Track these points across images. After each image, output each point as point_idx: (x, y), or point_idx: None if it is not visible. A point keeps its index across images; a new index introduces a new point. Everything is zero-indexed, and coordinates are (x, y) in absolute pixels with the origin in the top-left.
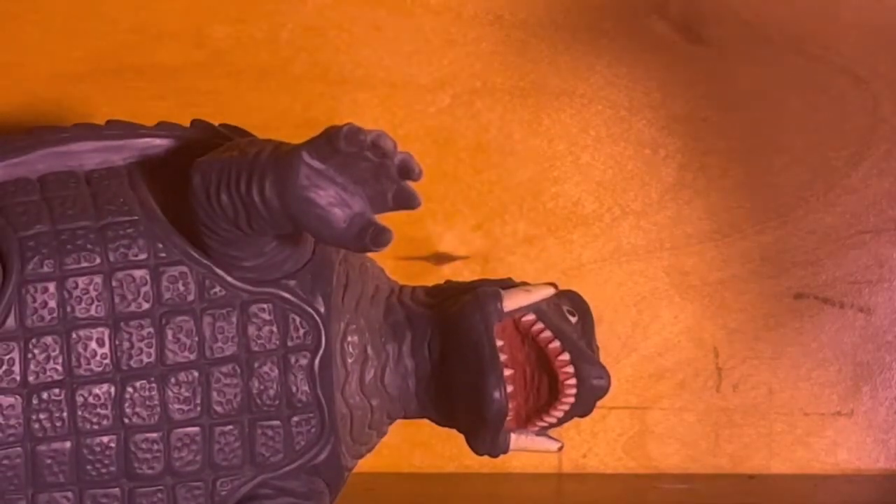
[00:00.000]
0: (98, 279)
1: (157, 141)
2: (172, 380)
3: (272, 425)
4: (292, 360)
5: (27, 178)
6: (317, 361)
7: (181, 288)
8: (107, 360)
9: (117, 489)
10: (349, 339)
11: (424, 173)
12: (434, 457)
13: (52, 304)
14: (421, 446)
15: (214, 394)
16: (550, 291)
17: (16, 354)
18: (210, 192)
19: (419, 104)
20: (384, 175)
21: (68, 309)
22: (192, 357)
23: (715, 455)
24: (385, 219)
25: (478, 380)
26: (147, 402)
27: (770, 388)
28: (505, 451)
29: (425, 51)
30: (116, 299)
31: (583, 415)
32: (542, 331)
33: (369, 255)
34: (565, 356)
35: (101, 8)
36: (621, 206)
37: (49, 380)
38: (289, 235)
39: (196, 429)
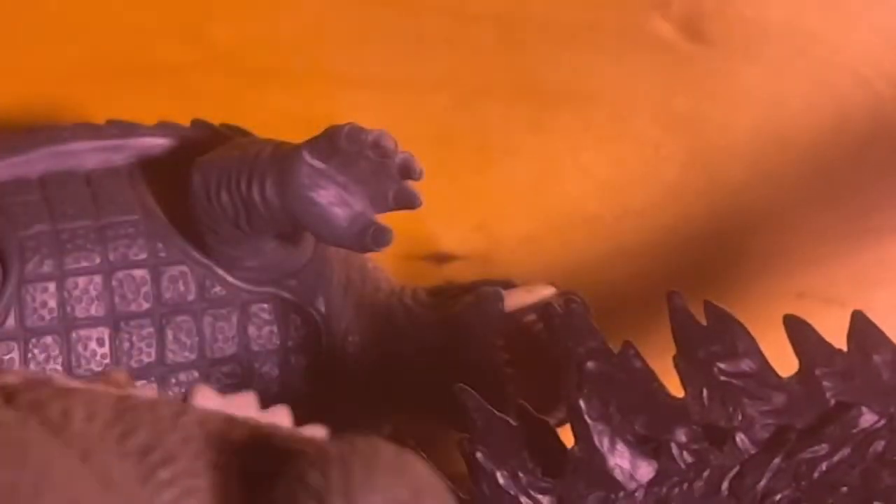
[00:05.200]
0: (98, 279)
1: (158, 140)
2: (173, 380)
3: None
4: (293, 359)
5: (27, 178)
6: (317, 361)
7: (181, 288)
8: (107, 360)
9: None
10: (350, 338)
11: (425, 173)
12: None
13: (52, 303)
14: (422, 446)
15: None
16: (551, 291)
17: (15, 354)
18: (210, 191)
19: (420, 104)
20: (385, 175)
21: (68, 309)
22: (193, 357)
23: None
24: (385, 218)
25: (479, 380)
26: None
27: None
28: None
29: (425, 50)
30: (116, 299)
31: None
32: (543, 331)
33: (370, 255)
34: None
35: (101, 8)
36: (622, 205)
37: None
38: (289, 235)
39: None
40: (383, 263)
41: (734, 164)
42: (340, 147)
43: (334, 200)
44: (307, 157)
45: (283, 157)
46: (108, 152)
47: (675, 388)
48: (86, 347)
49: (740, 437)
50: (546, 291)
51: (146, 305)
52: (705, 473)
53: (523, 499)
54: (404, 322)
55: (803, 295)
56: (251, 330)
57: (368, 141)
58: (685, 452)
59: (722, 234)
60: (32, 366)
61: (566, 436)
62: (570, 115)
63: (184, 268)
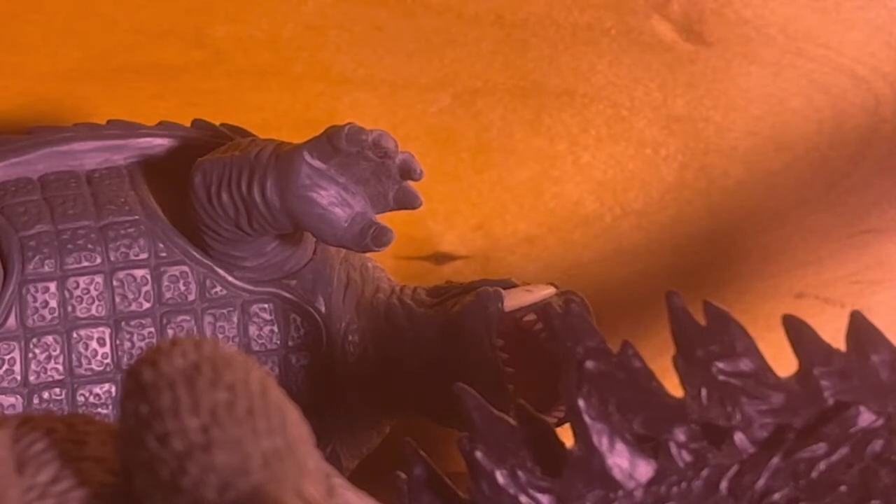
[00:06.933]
0: (99, 279)
1: (158, 141)
2: None
3: None
4: (293, 359)
5: (28, 178)
6: (317, 361)
7: (182, 287)
8: (107, 360)
9: None
10: (350, 338)
11: (425, 173)
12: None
13: (53, 303)
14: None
15: None
16: (551, 291)
17: (16, 354)
18: (211, 191)
19: (420, 104)
20: (385, 175)
21: (69, 308)
22: None
23: None
24: (386, 218)
25: (478, 380)
26: None
27: None
28: None
29: (425, 50)
30: (117, 299)
31: None
32: (542, 331)
33: (370, 255)
34: None
35: (101, 8)
36: (622, 205)
37: (50, 379)
38: (290, 235)
39: None
40: (383, 263)
41: (733, 165)
42: (341, 147)
43: (334, 200)
44: (308, 157)
45: (283, 157)
46: (108, 152)
47: (674, 387)
48: (87, 347)
49: (739, 437)
50: (546, 291)
51: (147, 305)
52: (704, 472)
53: (522, 498)
54: (404, 322)
55: (802, 295)
56: (252, 330)
57: (368, 141)
58: (684, 451)
59: (721, 235)
60: (33, 365)
61: (566, 435)
62: (570, 115)
63: (184, 268)
